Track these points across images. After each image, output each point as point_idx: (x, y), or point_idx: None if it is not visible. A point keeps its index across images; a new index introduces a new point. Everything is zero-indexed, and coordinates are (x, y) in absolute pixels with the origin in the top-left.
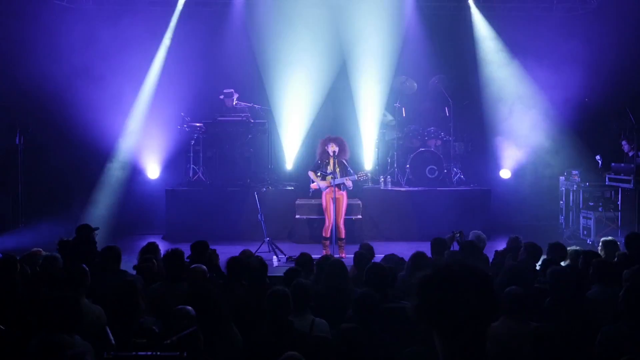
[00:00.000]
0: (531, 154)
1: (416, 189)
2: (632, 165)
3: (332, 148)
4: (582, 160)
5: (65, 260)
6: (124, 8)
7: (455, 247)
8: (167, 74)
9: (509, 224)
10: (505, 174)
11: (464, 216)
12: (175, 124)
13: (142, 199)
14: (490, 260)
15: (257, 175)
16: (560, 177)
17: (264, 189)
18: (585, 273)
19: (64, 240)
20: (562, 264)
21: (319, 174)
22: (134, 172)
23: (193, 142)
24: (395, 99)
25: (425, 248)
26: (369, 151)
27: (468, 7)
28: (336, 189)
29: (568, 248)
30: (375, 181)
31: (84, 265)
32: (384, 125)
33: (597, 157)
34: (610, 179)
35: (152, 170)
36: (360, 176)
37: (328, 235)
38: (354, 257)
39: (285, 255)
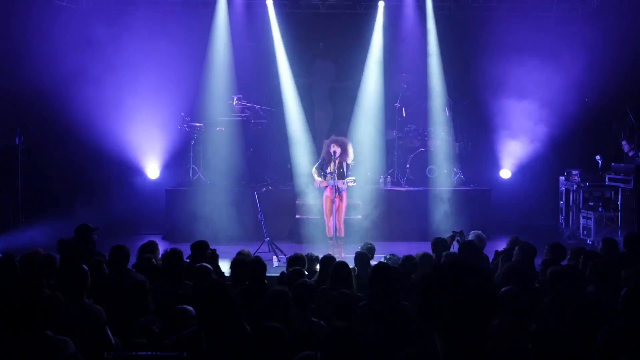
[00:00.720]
0: (531, 154)
1: (416, 189)
2: (632, 165)
3: (334, 149)
4: (582, 160)
5: (65, 260)
6: (124, 8)
7: (455, 247)
8: (167, 74)
9: (509, 224)
10: (505, 174)
11: (464, 216)
12: (175, 124)
13: (142, 199)
14: (490, 260)
15: (257, 175)
16: (560, 177)
17: (264, 189)
18: (585, 273)
19: (64, 240)
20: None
21: (322, 174)
22: (134, 172)
23: (193, 142)
24: (395, 99)
25: (426, 248)
26: (369, 151)
27: (468, 7)
28: (331, 188)
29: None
30: (375, 181)
31: (84, 265)
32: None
33: (597, 157)
34: (610, 179)
35: (152, 170)
36: (348, 181)
37: (331, 235)
38: (355, 257)
39: (285, 255)
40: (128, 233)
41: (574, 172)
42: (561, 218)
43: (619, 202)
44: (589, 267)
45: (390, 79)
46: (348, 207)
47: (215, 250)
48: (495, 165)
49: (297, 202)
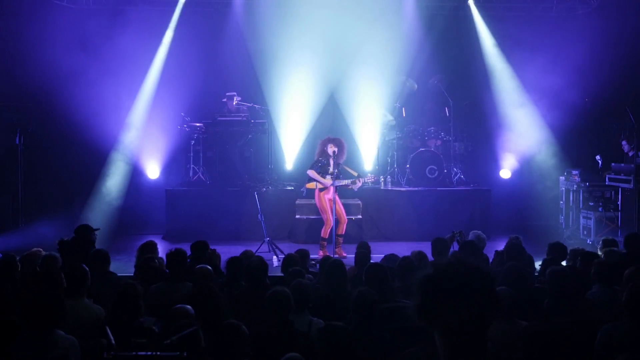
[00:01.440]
0: (531, 154)
1: (416, 189)
2: (632, 165)
3: (332, 149)
4: (582, 160)
5: (65, 261)
6: (124, 8)
7: (455, 247)
8: (167, 74)
9: (509, 224)
10: (505, 174)
11: (464, 216)
12: (175, 124)
13: (142, 199)
14: (490, 260)
15: (257, 175)
16: (560, 177)
17: (264, 189)
18: (585, 273)
19: (64, 240)
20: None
21: (327, 177)
22: (134, 172)
23: (193, 142)
24: (396, 99)
25: (426, 248)
26: (369, 151)
27: (468, 7)
28: (332, 189)
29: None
30: (375, 181)
31: (84, 265)
32: (385, 126)
33: (597, 157)
34: (610, 179)
35: (152, 170)
36: (368, 179)
37: (327, 237)
38: (355, 257)
39: (285, 255)
40: (128, 233)
41: (574, 172)
42: (561, 218)
43: (619, 202)
44: (593, 267)
45: (390, 79)
46: (348, 207)
47: (215, 250)
48: (495, 165)
49: (297, 202)
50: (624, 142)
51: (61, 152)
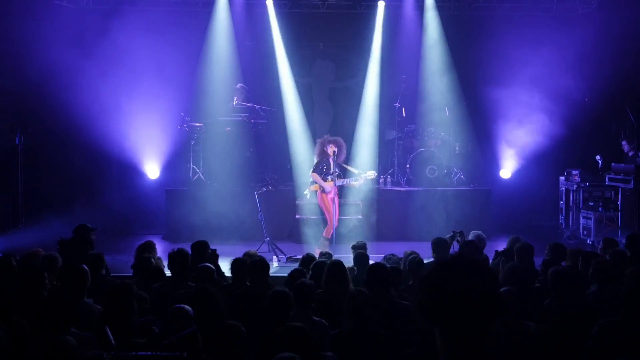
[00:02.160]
0: (531, 154)
1: (416, 189)
2: (632, 165)
3: (332, 149)
4: (582, 160)
5: (65, 260)
6: (124, 7)
7: (455, 247)
8: (167, 73)
9: (509, 224)
10: (505, 174)
11: (464, 216)
12: (175, 124)
13: (142, 199)
14: (491, 260)
15: (257, 175)
16: (560, 177)
17: (264, 189)
18: (585, 273)
19: (64, 240)
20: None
21: (325, 177)
22: (134, 172)
23: (193, 142)
24: (395, 99)
25: (426, 248)
26: (369, 151)
27: (469, 7)
28: (334, 189)
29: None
30: (375, 181)
31: (84, 265)
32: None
33: (597, 157)
34: (610, 179)
35: (152, 170)
36: (369, 175)
37: (329, 236)
38: (354, 257)
39: (285, 255)
40: (128, 233)
41: (574, 172)
42: (561, 218)
43: (619, 202)
44: (592, 267)
45: (390, 79)
46: (348, 207)
47: (215, 250)
48: (495, 165)
49: (297, 202)
50: (624, 142)
51: (61, 152)
